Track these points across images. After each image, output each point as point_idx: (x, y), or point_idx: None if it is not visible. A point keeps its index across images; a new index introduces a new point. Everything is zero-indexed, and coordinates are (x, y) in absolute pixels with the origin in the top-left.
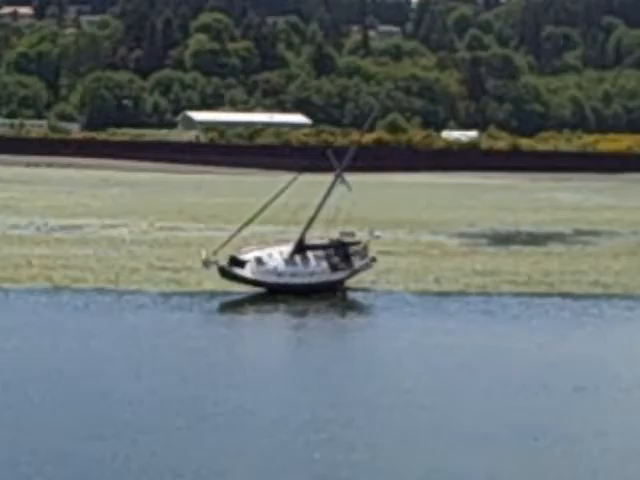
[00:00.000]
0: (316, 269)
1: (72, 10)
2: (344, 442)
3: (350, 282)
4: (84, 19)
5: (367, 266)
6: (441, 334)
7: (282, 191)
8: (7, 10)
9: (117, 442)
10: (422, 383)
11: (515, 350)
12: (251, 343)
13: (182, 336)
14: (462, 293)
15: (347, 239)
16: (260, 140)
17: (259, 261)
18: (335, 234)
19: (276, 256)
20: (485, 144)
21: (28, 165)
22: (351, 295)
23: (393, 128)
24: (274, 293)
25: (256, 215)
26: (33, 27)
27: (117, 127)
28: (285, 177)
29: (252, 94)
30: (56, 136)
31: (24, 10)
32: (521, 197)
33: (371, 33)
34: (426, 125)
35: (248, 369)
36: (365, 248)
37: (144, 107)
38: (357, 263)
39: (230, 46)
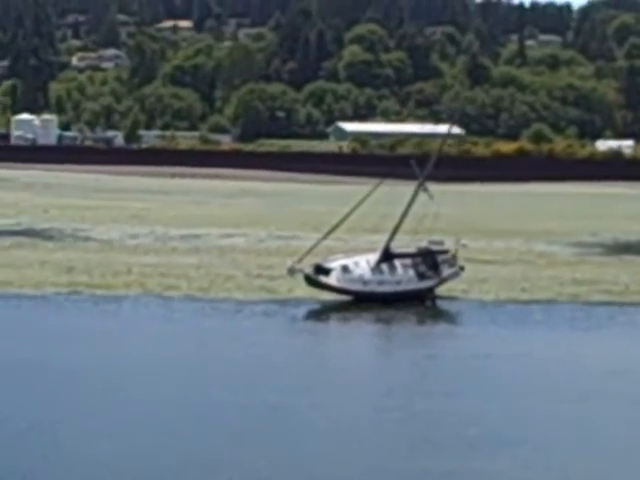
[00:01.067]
0: (403, 277)
1: (232, 23)
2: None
3: (442, 290)
4: (242, 32)
5: (455, 275)
6: (513, 343)
7: (365, 198)
8: (168, 24)
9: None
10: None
11: (574, 359)
12: (334, 350)
13: (251, 342)
14: (551, 302)
15: (435, 247)
16: (401, 150)
17: (345, 269)
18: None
19: (363, 264)
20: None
21: (173, 176)
22: (440, 303)
23: (538, 138)
24: (360, 301)
25: (341, 222)
26: (190, 40)
27: (269, 138)
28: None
29: (405, 105)
30: (204, 147)
31: (184, 24)
32: None
33: (530, 42)
34: (582, 135)
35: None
36: (454, 257)
37: (297, 118)
38: (445, 272)
39: (384, 57)
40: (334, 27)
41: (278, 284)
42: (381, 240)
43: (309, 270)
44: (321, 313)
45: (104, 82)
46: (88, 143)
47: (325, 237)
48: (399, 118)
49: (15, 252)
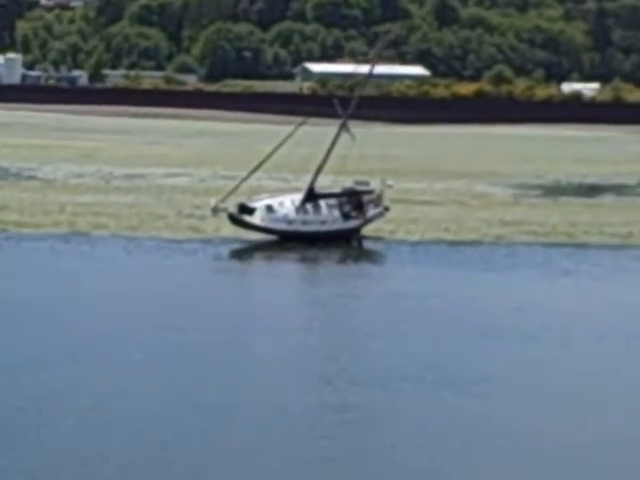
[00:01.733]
0: (328, 217)
1: None
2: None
3: (369, 230)
4: None
5: (380, 215)
6: (429, 282)
7: (287, 138)
8: None
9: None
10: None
11: (478, 298)
12: (255, 288)
13: (170, 281)
14: (475, 242)
15: (360, 188)
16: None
17: (269, 208)
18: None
19: (287, 204)
20: (608, 96)
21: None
22: (365, 243)
23: (498, 80)
24: (285, 240)
25: (262, 162)
26: None
27: (236, 79)
28: (380, 129)
29: (372, 46)
30: (167, 87)
31: None
32: (611, 150)
33: None
34: (548, 77)
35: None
36: (379, 197)
37: (264, 59)
38: (370, 212)
39: None
40: None
41: (206, 223)
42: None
43: (233, 209)
44: (245, 252)
45: (71, 21)
46: (52, 82)
47: (248, 177)
48: (366, 59)
49: None
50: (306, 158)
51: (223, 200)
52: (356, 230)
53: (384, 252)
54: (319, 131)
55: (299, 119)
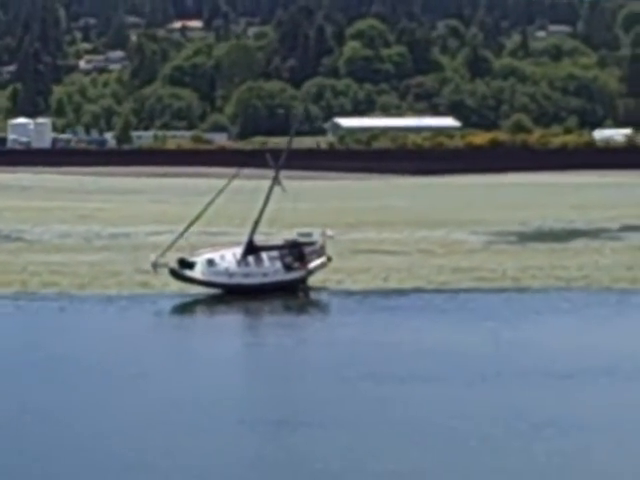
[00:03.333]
0: (270, 269)
1: (241, 22)
2: None
3: (316, 281)
4: (251, 30)
5: (322, 265)
6: (352, 328)
7: (222, 190)
8: (177, 24)
9: None
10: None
11: (392, 342)
12: (196, 339)
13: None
14: (418, 290)
15: (301, 239)
16: (377, 144)
17: (210, 262)
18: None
19: (229, 257)
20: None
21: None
22: (311, 294)
23: (516, 129)
24: (229, 293)
25: (198, 217)
26: (195, 41)
27: (268, 136)
28: (399, 181)
29: (404, 99)
30: (190, 147)
31: (194, 24)
32: (616, 194)
33: (540, 34)
34: (582, 124)
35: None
36: (322, 248)
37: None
38: (313, 263)
39: (384, 52)
40: (335, 23)
41: (158, 279)
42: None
43: (173, 264)
44: (188, 306)
45: (106, 84)
46: (82, 145)
47: (185, 231)
48: (398, 112)
49: None
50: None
51: (162, 255)
52: (299, 281)
53: (326, 302)
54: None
55: (314, 174)
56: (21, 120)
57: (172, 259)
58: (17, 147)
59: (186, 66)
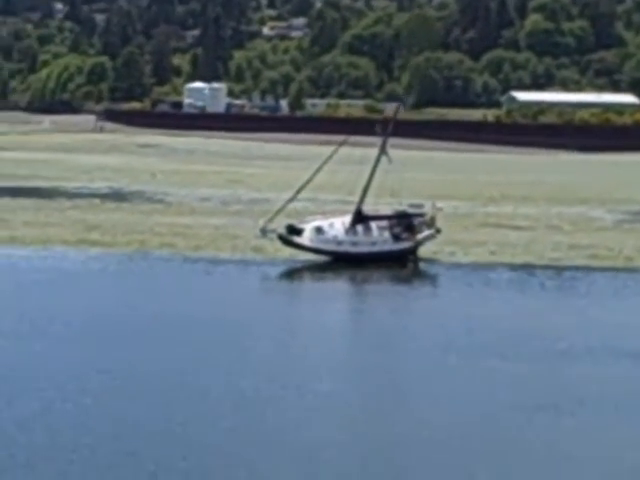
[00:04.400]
0: (378, 239)
1: None
2: None
3: (427, 252)
4: (436, 1)
5: (431, 237)
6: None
7: (328, 159)
8: None
9: None
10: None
11: (490, 316)
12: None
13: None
14: (527, 265)
15: (411, 210)
16: (543, 119)
17: (319, 230)
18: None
19: (338, 225)
20: None
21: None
22: (421, 265)
23: None
24: (336, 261)
25: (304, 185)
26: (376, 10)
27: (443, 107)
28: (562, 157)
29: (584, 74)
30: (360, 115)
31: None
32: None
33: None
34: None
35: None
36: (432, 219)
37: (474, 87)
38: (421, 234)
39: (565, 25)
40: None
41: (271, 245)
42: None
43: (282, 230)
44: (296, 272)
45: (286, 51)
46: (255, 111)
47: (293, 198)
48: (577, 87)
49: (70, 212)
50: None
51: (271, 221)
52: (407, 251)
53: (432, 273)
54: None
55: (474, 146)
56: (197, 85)
57: (281, 225)
58: (192, 111)
59: (365, 35)
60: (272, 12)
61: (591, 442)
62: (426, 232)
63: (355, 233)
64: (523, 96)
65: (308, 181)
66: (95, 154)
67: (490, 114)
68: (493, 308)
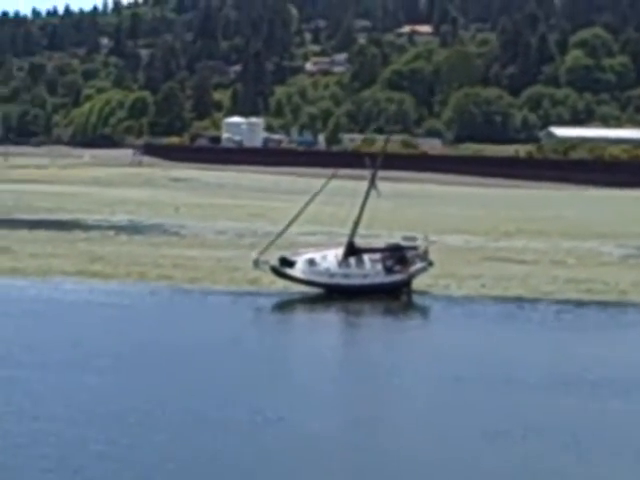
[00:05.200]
0: (370, 271)
1: (472, 28)
2: None
3: (423, 284)
4: (480, 36)
5: (423, 269)
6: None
7: (316, 195)
8: (406, 29)
9: None
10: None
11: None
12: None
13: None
14: (518, 299)
15: (404, 243)
16: (574, 154)
17: (311, 262)
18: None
19: (330, 258)
20: None
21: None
22: (415, 298)
23: None
24: (329, 293)
25: (295, 218)
26: (419, 46)
27: (481, 142)
28: (590, 192)
29: (624, 110)
30: (392, 151)
31: (423, 29)
32: None
33: None
34: None
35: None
36: (425, 252)
37: (513, 123)
38: (414, 267)
39: (606, 62)
40: (559, 31)
41: (267, 277)
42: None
43: (274, 262)
44: (288, 304)
45: (326, 86)
46: (292, 146)
47: (284, 231)
48: (617, 124)
49: (80, 244)
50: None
51: (262, 253)
52: (400, 284)
53: (425, 305)
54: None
55: (506, 182)
56: (235, 119)
57: (274, 257)
58: (230, 145)
59: (405, 70)
60: (316, 48)
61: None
62: (419, 265)
63: (348, 265)
64: (561, 132)
65: (298, 215)
66: (125, 187)
67: (522, 150)
68: (471, 340)
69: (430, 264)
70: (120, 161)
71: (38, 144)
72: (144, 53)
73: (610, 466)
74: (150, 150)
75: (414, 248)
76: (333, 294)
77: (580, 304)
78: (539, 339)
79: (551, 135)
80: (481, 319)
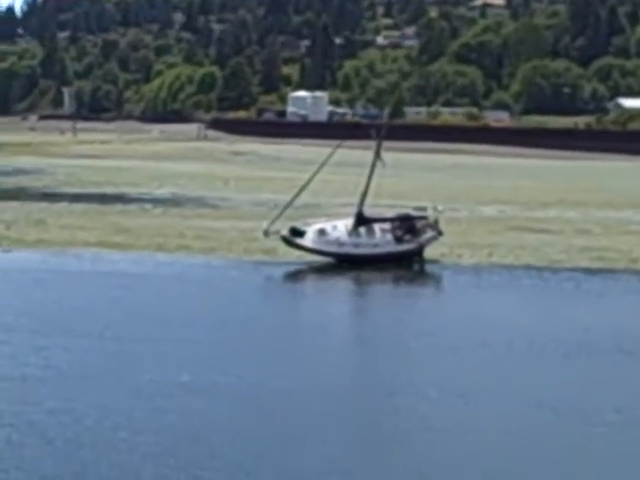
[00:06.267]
0: (380, 241)
1: (544, 1)
2: None
3: (438, 254)
4: (551, 9)
5: (433, 239)
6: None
7: (325, 161)
8: (479, 1)
9: None
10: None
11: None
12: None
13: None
14: (528, 267)
15: (414, 213)
16: (632, 126)
17: (321, 232)
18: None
19: (341, 228)
20: None
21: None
22: (427, 267)
23: None
24: (340, 263)
25: (303, 188)
26: (492, 18)
27: (549, 115)
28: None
29: None
30: (453, 123)
31: (496, 1)
32: None
33: None
34: None
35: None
36: (436, 222)
37: (582, 95)
38: (424, 236)
39: None
40: (629, 3)
41: (283, 247)
42: None
43: (285, 232)
44: (300, 273)
45: (394, 60)
46: (356, 119)
47: (292, 202)
48: None
49: (112, 217)
50: None
51: (272, 223)
52: (410, 253)
53: (436, 274)
54: None
55: (567, 154)
56: (300, 93)
57: (285, 227)
58: (295, 120)
59: (474, 43)
60: (388, 21)
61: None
62: (429, 234)
63: (358, 235)
64: (629, 102)
65: (304, 187)
66: (183, 161)
67: (581, 122)
68: (471, 308)
69: (440, 233)
70: (187, 136)
71: (109, 120)
72: (216, 28)
73: None
74: (217, 124)
75: (424, 218)
76: (343, 264)
77: (586, 272)
78: (534, 305)
79: (619, 106)
80: (485, 287)
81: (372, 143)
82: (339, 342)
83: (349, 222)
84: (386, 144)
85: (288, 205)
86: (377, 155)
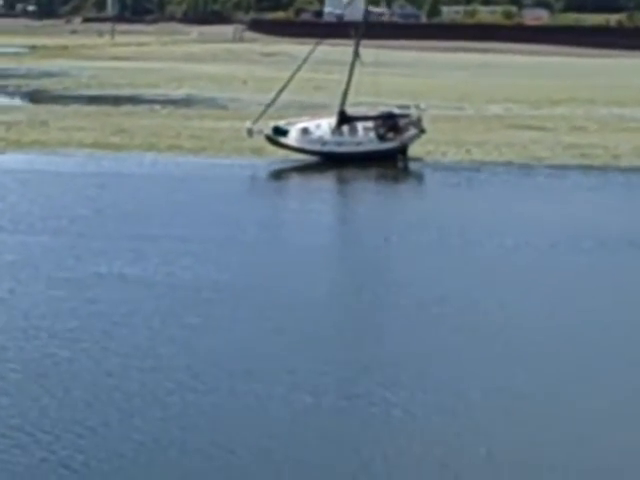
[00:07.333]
0: (363, 139)
1: None
2: None
3: (423, 152)
4: None
5: (416, 136)
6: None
7: (305, 60)
8: None
9: None
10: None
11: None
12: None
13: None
14: (508, 164)
15: (396, 111)
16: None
17: (305, 131)
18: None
19: (324, 126)
20: None
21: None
22: (410, 165)
23: None
24: (325, 161)
25: (285, 86)
26: None
27: (593, 12)
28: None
29: None
30: (486, 21)
31: None
32: None
33: None
34: None
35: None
36: (419, 120)
37: None
38: (406, 134)
39: None
40: None
41: (269, 145)
42: None
43: (268, 131)
44: (284, 172)
45: None
46: (393, 19)
47: (274, 100)
48: None
49: (116, 118)
50: None
51: (255, 122)
52: (392, 151)
53: (417, 172)
54: None
55: (599, 51)
56: None
57: (265, 126)
58: (331, 20)
59: None
60: None
61: None
62: (411, 132)
63: (341, 133)
64: None
65: (285, 85)
66: (212, 63)
67: (613, 19)
68: (440, 203)
69: (422, 131)
70: (224, 37)
71: (151, 22)
72: None
73: None
74: (255, 26)
75: (406, 116)
76: (327, 162)
77: (565, 168)
78: (500, 201)
79: None
80: (461, 185)
81: (415, 43)
82: (320, 240)
83: (332, 121)
84: (420, 44)
85: (269, 105)
86: (356, 53)
